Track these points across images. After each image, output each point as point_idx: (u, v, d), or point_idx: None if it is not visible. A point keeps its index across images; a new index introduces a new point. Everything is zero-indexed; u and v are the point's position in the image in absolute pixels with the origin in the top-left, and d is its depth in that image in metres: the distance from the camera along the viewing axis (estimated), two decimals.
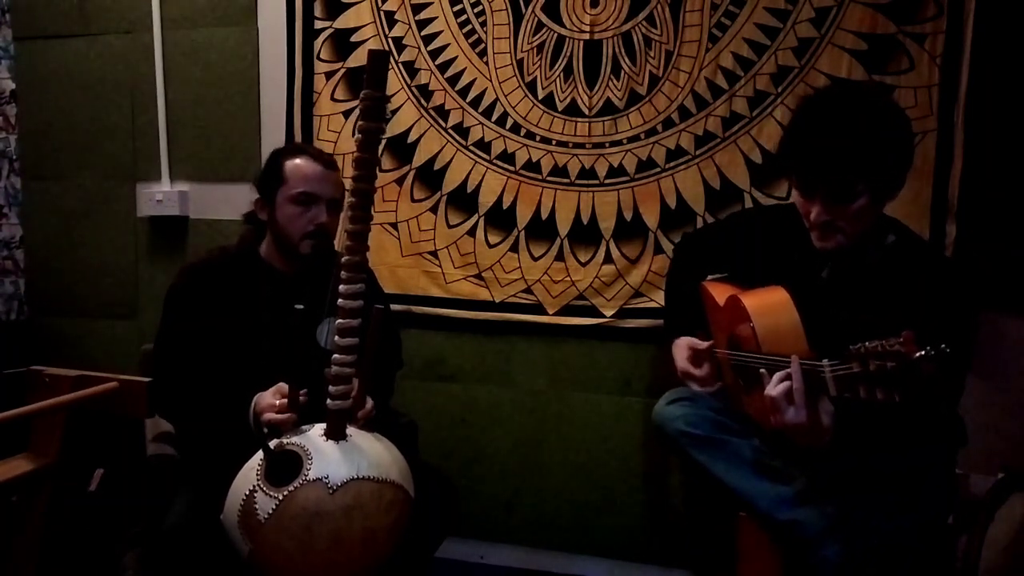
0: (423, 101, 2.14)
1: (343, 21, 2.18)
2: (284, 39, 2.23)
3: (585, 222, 2.05)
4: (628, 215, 2.02)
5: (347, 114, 2.20)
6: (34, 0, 2.44)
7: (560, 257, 2.08)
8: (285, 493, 1.14)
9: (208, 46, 2.31)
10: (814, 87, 1.85)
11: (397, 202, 2.18)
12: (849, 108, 1.30)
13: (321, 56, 2.21)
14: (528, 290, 2.11)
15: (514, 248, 2.11)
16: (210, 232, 2.35)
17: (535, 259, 2.10)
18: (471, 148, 2.12)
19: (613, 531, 2.12)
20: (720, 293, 1.56)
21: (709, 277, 1.68)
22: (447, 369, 2.21)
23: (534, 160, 2.08)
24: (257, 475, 1.18)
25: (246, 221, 1.66)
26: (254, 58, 2.28)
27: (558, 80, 2.04)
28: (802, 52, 1.88)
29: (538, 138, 2.07)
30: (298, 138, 2.23)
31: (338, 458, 1.19)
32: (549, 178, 2.07)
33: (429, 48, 2.13)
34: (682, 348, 1.58)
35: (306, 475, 1.15)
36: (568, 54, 2.03)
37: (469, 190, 2.13)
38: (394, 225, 2.19)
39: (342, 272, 1.22)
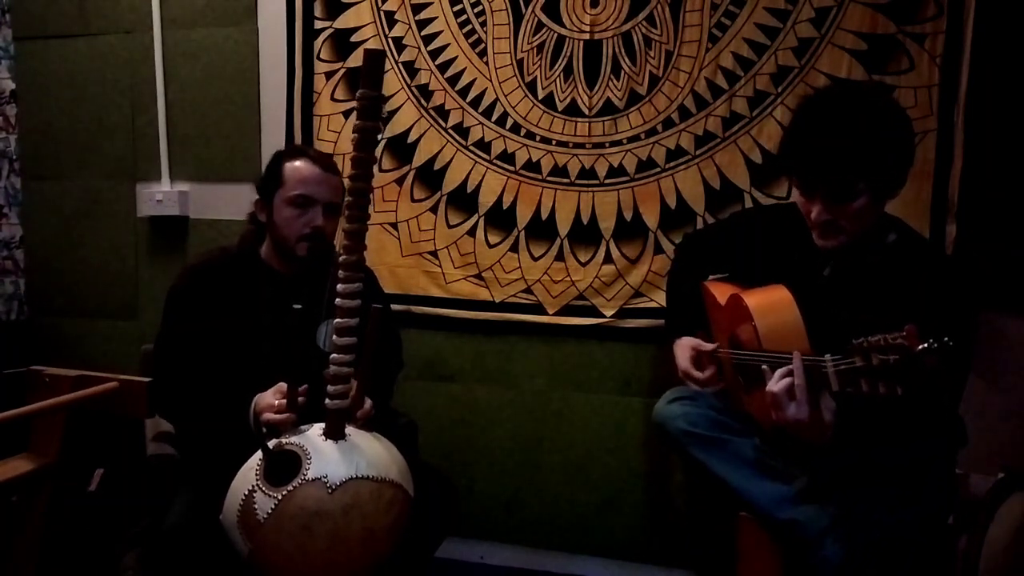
0: (423, 101, 2.14)
1: (343, 21, 2.18)
2: (284, 39, 2.23)
3: (585, 222, 2.05)
4: (628, 215, 2.02)
5: (347, 114, 2.20)
6: (34, 0, 2.44)
7: (560, 257, 2.08)
8: (284, 493, 1.14)
9: (208, 46, 2.31)
10: (814, 87, 1.85)
11: (397, 202, 2.18)
12: (849, 108, 1.30)
13: (321, 56, 2.21)
14: (528, 290, 2.11)
15: (514, 248, 2.11)
16: (210, 232, 2.35)
17: (535, 259, 2.10)
18: (471, 148, 2.12)
19: (613, 531, 2.12)
20: (721, 292, 1.56)
21: (711, 277, 1.68)
22: (447, 369, 2.21)
23: (534, 160, 2.08)
24: (256, 475, 1.18)
25: (250, 221, 1.66)
26: (254, 58, 2.28)
27: (558, 80, 2.04)
28: (802, 52, 1.88)
29: (538, 138, 2.07)
30: (298, 138, 2.23)
31: (337, 458, 1.19)
32: (549, 178, 2.07)
33: (429, 48, 2.13)
34: (684, 348, 1.58)
35: (305, 475, 1.16)
36: (568, 54, 2.03)
37: (469, 190, 2.13)
38: (394, 225, 2.19)
39: (340, 272, 1.22)
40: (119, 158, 2.43)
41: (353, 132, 1.20)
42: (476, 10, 2.08)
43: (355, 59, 2.18)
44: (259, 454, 1.22)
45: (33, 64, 2.47)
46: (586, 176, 2.05)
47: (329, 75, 2.20)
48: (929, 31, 1.79)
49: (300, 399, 1.33)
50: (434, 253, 2.17)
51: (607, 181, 2.03)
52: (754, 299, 1.38)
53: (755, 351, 1.35)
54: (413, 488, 1.28)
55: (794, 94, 1.88)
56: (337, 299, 1.23)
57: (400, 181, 2.18)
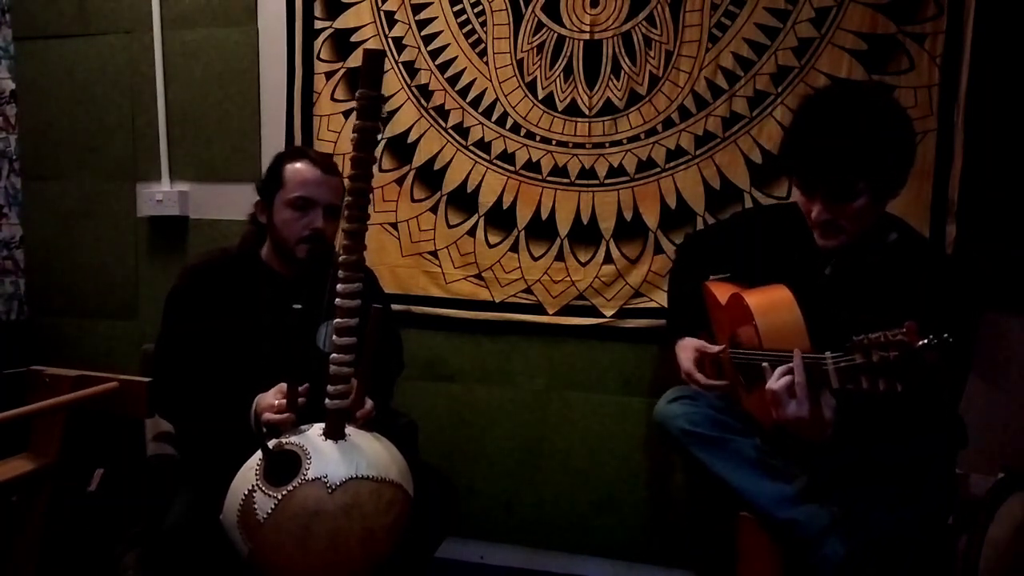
0: (423, 101, 2.14)
1: (343, 21, 2.18)
2: (284, 39, 2.23)
3: (585, 222, 2.05)
4: (628, 215, 2.02)
5: (347, 114, 2.20)
6: (34, 0, 2.44)
7: (560, 257, 2.08)
8: (284, 493, 1.14)
9: (208, 46, 2.31)
10: (814, 87, 1.85)
11: (397, 202, 2.18)
12: (850, 107, 1.30)
13: (321, 56, 2.21)
14: (528, 290, 2.11)
15: (514, 248, 2.11)
16: (210, 232, 2.35)
17: (535, 259, 2.10)
18: (471, 148, 2.12)
19: (613, 531, 2.12)
20: (722, 292, 1.56)
21: (712, 277, 1.68)
22: (447, 369, 2.21)
23: (534, 160, 2.08)
24: (256, 475, 1.18)
25: (251, 222, 1.66)
26: (254, 58, 2.28)
27: (558, 80, 2.04)
28: (802, 52, 1.88)
29: (538, 138, 2.07)
30: (298, 138, 2.23)
31: (337, 458, 1.19)
32: (549, 178, 2.07)
33: (429, 48, 2.13)
34: (687, 350, 1.57)
35: (305, 475, 1.16)
36: (568, 54, 2.03)
37: (469, 190, 2.13)
38: (394, 225, 2.19)
39: (340, 272, 1.22)
40: (119, 158, 2.43)
41: (353, 132, 1.20)
42: (476, 10, 2.08)
43: (355, 59, 2.18)
44: (259, 454, 1.22)
45: (33, 64, 2.47)
46: (586, 176, 2.05)
47: (329, 75, 2.20)
48: (929, 31, 1.79)
49: (300, 399, 1.33)
50: (434, 253, 2.17)
51: (607, 181, 2.03)
52: (755, 299, 1.38)
53: (756, 350, 1.35)
54: (413, 488, 1.27)
55: (794, 94, 1.87)
56: (337, 299, 1.23)
57: (400, 181, 2.18)
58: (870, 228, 1.37)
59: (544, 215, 2.08)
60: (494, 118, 2.10)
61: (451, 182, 2.14)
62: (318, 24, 2.20)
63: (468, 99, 2.11)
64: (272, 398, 1.38)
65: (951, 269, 1.40)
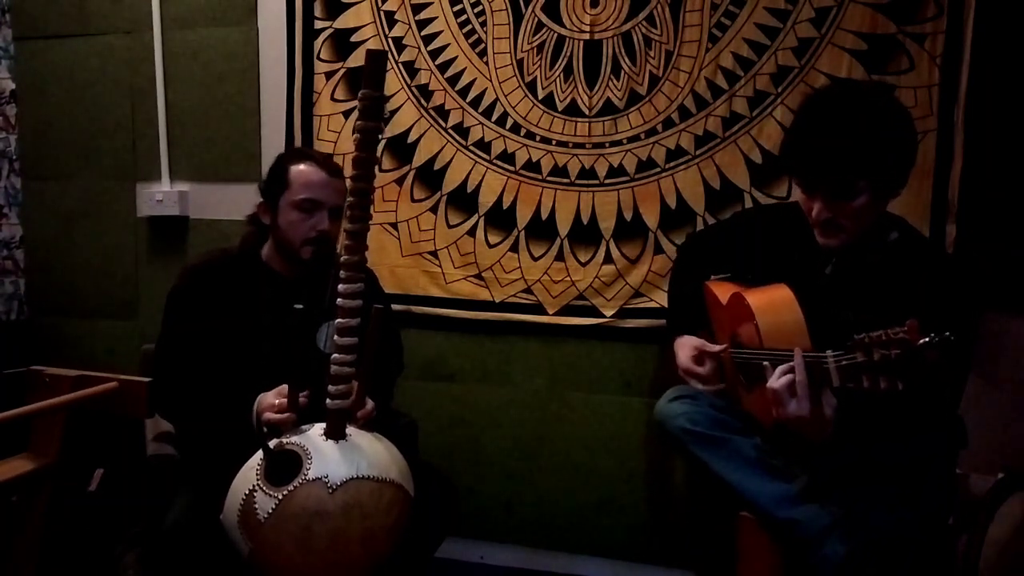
0: (423, 101, 2.14)
1: (343, 21, 2.18)
2: (284, 39, 2.23)
3: (585, 222, 2.05)
4: (628, 215, 2.02)
5: (347, 114, 2.20)
6: (34, 0, 2.44)
7: (560, 257, 2.08)
8: (285, 493, 1.14)
9: (208, 46, 2.31)
10: (814, 87, 1.85)
11: (397, 202, 2.18)
12: (851, 106, 1.30)
13: (321, 56, 2.21)
14: (528, 290, 2.11)
15: (514, 248, 2.11)
16: (210, 232, 2.35)
17: (535, 259, 2.10)
18: (471, 148, 2.12)
19: (613, 531, 2.12)
20: (723, 292, 1.56)
21: (712, 277, 1.68)
22: (447, 369, 2.21)
23: (534, 160, 2.08)
24: (257, 475, 1.18)
25: (249, 223, 1.66)
26: (254, 58, 2.28)
27: (558, 80, 2.04)
28: (802, 52, 1.88)
29: (538, 138, 2.07)
30: (298, 138, 2.23)
31: (337, 458, 1.19)
32: (549, 178, 2.07)
33: (429, 48, 2.13)
34: (686, 347, 1.57)
35: (305, 475, 1.16)
36: (568, 54, 2.03)
37: (469, 190, 2.13)
38: (394, 225, 2.19)
39: (341, 272, 1.22)
40: (119, 158, 2.43)
41: (355, 132, 1.20)
42: (476, 10, 2.08)
43: (355, 59, 2.18)
44: (260, 454, 1.22)
45: (33, 64, 2.47)
46: (586, 176, 2.05)
47: (329, 75, 2.20)
48: (929, 31, 1.79)
49: (301, 399, 1.33)
50: (434, 253, 2.17)
51: (607, 181, 2.03)
52: (755, 298, 1.38)
53: (757, 349, 1.35)
54: (413, 488, 1.28)
55: (794, 94, 1.88)
56: (338, 299, 1.23)
57: (400, 181, 2.18)
58: (871, 227, 1.37)
59: (544, 215, 2.08)
60: (494, 118, 2.10)
61: (451, 182, 2.14)
62: (318, 24, 2.20)
63: (468, 99, 2.11)
64: (273, 398, 1.38)
65: (952, 268, 1.40)
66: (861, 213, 1.31)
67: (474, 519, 2.18)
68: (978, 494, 1.59)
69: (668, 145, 1.98)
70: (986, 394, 1.74)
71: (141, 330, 2.42)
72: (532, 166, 2.08)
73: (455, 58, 2.11)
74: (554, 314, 2.10)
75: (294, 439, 1.23)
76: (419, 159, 2.16)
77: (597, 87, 2.01)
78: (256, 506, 1.15)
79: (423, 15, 2.12)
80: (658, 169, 2.00)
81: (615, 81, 2.00)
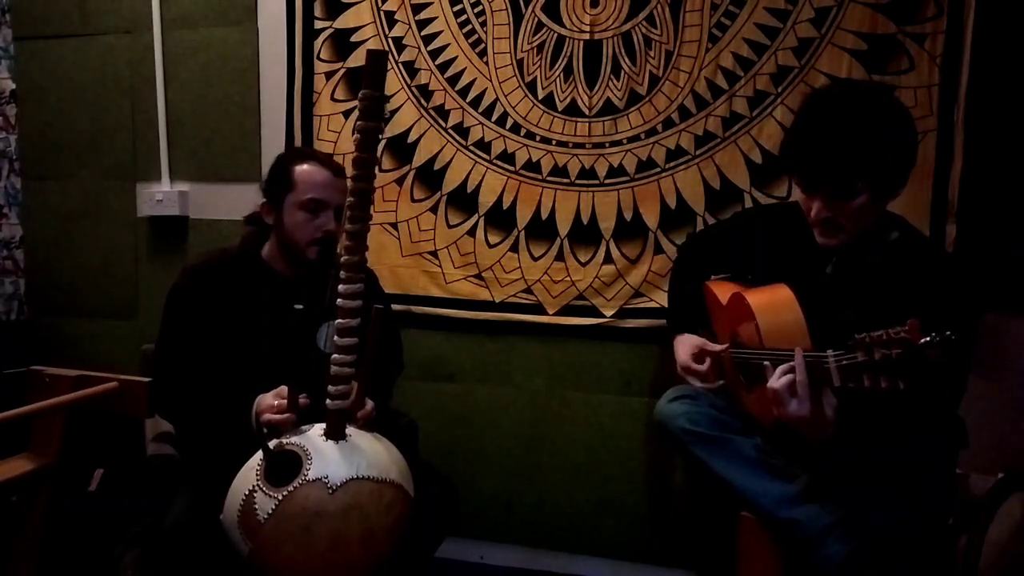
0: (423, 101, 2.14)
1: (343, 21, 2.18)
2: (284, 39, 2.23)
3: (585, 222, 2.05)
4: (628, 215, 2.02)
5: (347, 114, 2.20)
6: (34, 0, 2.44)
7: (560, 257, 2.08)
8: (285, 493, 1.14)
9: (208, 46, 2.31)
10: (814, 87, 1.85)
11: (397, 202, 2.18)
12: (851, 106, 1.30)
13: (321, 56, 2.21)
14: (528, 290, 2.11)
15: (514, 248, 2.11)
16: (210, 232, 2.35)
17: (535, 259, 2.10)
18: (471, 148, 2.12)
19: (613, 531, 2.12)
20: (723, 292, 1.56)
21: (712, 277, 1.68)
22: (447, 369, 2.21)
23: (534, 160, 2.08)
24: (257, 475, 1.18)
25: (247, 223, 1.66)
26: (254, 58, 2.28)
27: (558, 80, 2.04)
28: (802, 52, 1.88)
29: (538, 138, 2.07)
30: (298, 138, 2.23)
31: (337, 458, 1.19)
32: (549, 178, 2.07)
33: (429, 48, 2.13)
34: (686, 345, 1.58)
35: (305, 475, 1.16)
36: (568, 54, 2.03)
37: (469, 190, 2.13)
38: (394, 225, 2.19)
39: (341, 272, 1.22)
40: (119, 158, 2.42)
41: (355, 132, 1.20)
42: (476, 10, 2.08)
43: (355, 59, 2.18)
44: (260, 454, 1.22)
45: (33, 64, 2.47)
46: (586, 176, 2.05)
47: (329, 75, 2.20)
48: (929, 31, 1.79)
49: (301, 400, 1.33)
50: (434, 253, 2.17)
51: (607, 181, 2.03)
52: (756, 297, 1.38)
53: (757, 349, 1.35)
54: (413, 488, 1.27)
55: (794, 94, 1.88)
56: (338, 299, 1.23)
57: (400, 181, 2.18)
58: (871, 227, 1.37)
59: (544, 215, 2.08)
60: (494, 118, 2.10)
61: (451, 182, 2.14)
62: (318, 24, 2.20)
63: (468, 99, 2.11)
64: (272, 399, 1.38)
65: (952, 268, 1.40)
66: (861, 213, 1.31)
67: (474, 519, 2.18)
68: (978, 494, 1.59)
69: (668, 145, 1.98)
70: (986, 394, 1.73)
71: (141, 330, 2.41)
72: (532, 166, 2.08)
73: (455, 58, 2.11)
74: (554, 314, 2.10)
75: (294, 439, 1.23)
76: (419, 159, 2.16)
77: (597, 87, 2.01)
78: (256, 506, 1.15)
79: (423, 15, 2.12)
80: (658, 169, 2.00)
81: (615, 81, 2.00)
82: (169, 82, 2.35)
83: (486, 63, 2.09)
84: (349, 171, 1.23)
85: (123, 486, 2.04)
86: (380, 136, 1.23)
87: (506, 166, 2.10)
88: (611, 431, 2.10)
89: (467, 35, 2.10)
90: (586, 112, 2.03)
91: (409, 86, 2.14)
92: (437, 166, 2.14)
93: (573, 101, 2.03)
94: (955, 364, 1.21)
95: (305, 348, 1.45)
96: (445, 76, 2.12)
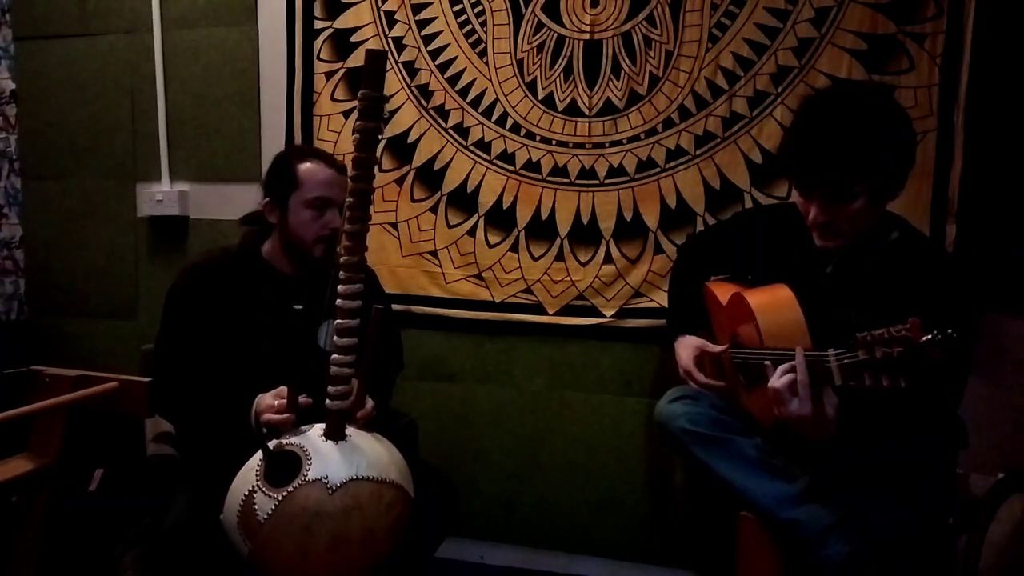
0: (423, 101, 2.14)
1: (343, 21, 2.18)
2: (284, 39, 2.23)
3: (585, 222, 2.05)
4: (628, 215, 2.02)
5: (347, 114, 2.20)
6: (34, 0, 2.44)
7: (560, 257, 2.08)
8: (284, 493, 1.14)
9: (208, 46, 2.31)
10: (814, 87, 1.85)
11: (397, 202, 2.18)
12: (847, 109, 1.30)
13: (321, 56, 2.21)
14: (528, 290, 2.11)
15: (514, 248, 2.11)
16: (210, 232, 2.35)
17: (535, 259, 2.10)
18: (471, 148, 2.12)
19: (613, 531, 2.12)
20: (723, 292, 1.56)
21: (712, 278, 1.68)
22: (447, 369, 2.21)
23: (534, 160, 2.08)
24: (256, 475, 1.18)
25: (243, 223, 1.65)
26: (254, 58, 2.28)
27: (558, 80, 2.04)
28: (802, 52, 1.88)
29: (538, 138, 2.07)
30: (298, 138, 2.23)
31: (337, 458, 1.19)
32: (549, 178, 2.07)
33: (429, 48, 2.13)
34: (687, 347, 1.57)
35: (305, 475, 1.15)
36: (568, 54, 2.03)
37: (469, 190, 2.13)
38: (394, 225, 2.19)
39: (341, 272, 1.22)
40: (119, 158, 2.43)
41: (355, 132, 1.19)
42: (476, 10, 2.08)
43: (355, 59, 2.18)
44: (259, 454, 1.22)
45: (33, 64, 2.47)
46: (586, 176, 2.05)
47: (329, 75, 2.20)
48: (929, 31, 1.79)
49: (301, 400, 1.33)
50: (434, 253, 2.17)
51: (607, 181, 2.03)
52: (756, 298, 1.38)
53: (757, 349, 1.35)
54: (413, 488, 1.27)
55: (794, 94, 1.88)
56: (338, 300, 1.23)
57: (400, 181, 2.18)
58: (870, 227, 1.37)
59: (544, 215, 2.08)
60: (494, 118, 2.10)
61: (451, 182, 2.14)
62: (318, 24, 2.20)
63: (468, 99, 2.11)
64: (272, 399, 1.38)
65: (952, 268, 1.40)
66: (859, 216, 1.31)
67: (474, 519, 2.18)
68: (978, 494, 1.59)
69: (668, 145, 1.98)
70: (986, 394, 1.74)
71: (141, 330, 2.42)
72: (532, 166, 2.08)
73: (455, 58, 2.11)
74: (554, 314, 2.10)
75: (294, 440, 1.23)
76: (419, 159, 2.16)
77: (597, 87, 2.01)
78: (256, 507, 1.15)
79: (423, 15, 2.12)
80: (658, 169, 2.00)
81: (615, 81, 2.00)
82: (169, 82, 2.35)
83: (486, 63, 2.09)
84: (349, 171, 1.23)
85: (123, 486, 2.03)
86: (380, 136, 1.23)
87: (506, 166, 2.10)
88: (611, 431, 2.10)
89: (467, 35, 2.10)
90: (586, 112, 2.03)
91: (409, 86, 2.14)
92: (437, 166, 2.15)
93: (573, 101, 2.03)
94: (956, 364, 1.21)
95: (305, 347, 1.45)
96: (445, 76, 2.12)
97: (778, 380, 1.23)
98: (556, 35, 2.03)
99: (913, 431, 1.26)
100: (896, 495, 1.27)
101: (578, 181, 2.05)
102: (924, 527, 1.28)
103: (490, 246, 2.12)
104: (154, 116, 2.36)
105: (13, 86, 2.49)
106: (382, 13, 2.15)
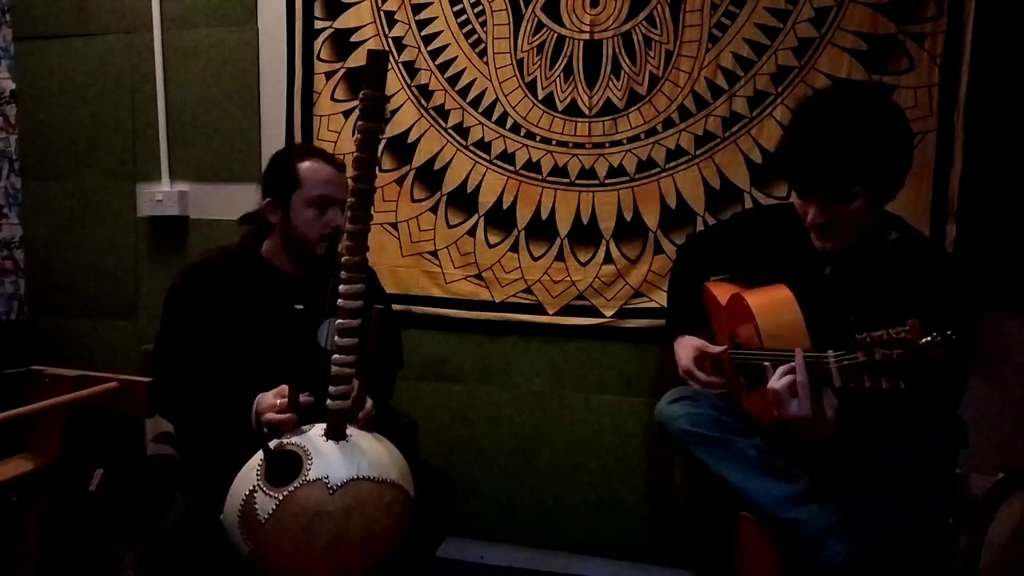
0: (423, 101, 2.14)
1: (343, 21, 2.18)
2: (284, 39, 2.23)
3: (585, 222, 2.05)
4: (628, 215, 2.02)
5: (347, 114, 2.20)
6: (34, 0, 2.44)
7: (560, 257, 2.08)
8: (285, 493, 1.14)
9: (208, 46, 2.31)
10: (814, 87, 1.85)
11: (397, 202, 2.18)
12: (845, 110, 1.30)
13: (321, 56, 2.21)
14: (528, 290, 2.11)
15: (514, 248, 2.11)
16: (210, 232, 2.35)
17: (535, 259, 2.10)
18: (471, 148, 2.12)
19: (613, 531, 2.12)
20: (723, 293, 1.56)
21: (712, 278, 1.68)
22: (447, 369, 2.21)
23: (534, 160, 2.08)
24: (257, 475, 1.18)
25: (242, 223, 1.65)
26: (254, 58, 2.28)
27: (558, 80, 2.04)
28: (802, 52, 1.88)
29: (538, 138, 2.07)
30: (298, 138, 2.23)
31: (338, 458, 1.19)
32: (549, 178, 2.07)
33: (429, 48, 2.13)
34: (687, 348, 1.58)
35: (306, 475, 1.15)
36: (568, 54, 2.03)
37: (469, 190, 2.13)
38: (394, 225, 2.19)
39: (342, 272, 1.22)
40: (119, 158, 2.43)
41: (356, 132, 1.19)
42: (476, 10, 2.08)
43: (355, 59, 2.18)
44: (260, 454, 1.22)
45: (33, 64, 2.47)
46: (586, 176, 2.05)
47: (329, 75, 2.20)
48: (929, 31, 1.79)
49: (302, 400, 1.33)
50: (434, 253, 2.17)
51: (607, 181, 2.03)
52: (755, 298, 1.38)
53: (757, 349, 1.35)
54: (413, 488, 1.27)
55: (794, 94, 1.88)
56: (339, 299, 1.23)
57: (400, 181, 2.18)
58: (869, 228, 1.37)
59: (544, 215, 2.08)
60: (494, 118, 2.10)
61: (451, 182, 2.14)
62: (318, 24, 2.20)
63: (468, 99, 2.11)
64: (273, 398, 1.38)
65: (952, 268, 1.40)
66: (857, 217, 1.31)
67: (474, 519, 2.18)
68: (978, 494, 1.59)
69: (668, 145, 1.98)
70: (986, 394, 1.74)
71: (141, 330, 2.42)
72: (532, 166, 2.08)
73: (455, 58, 2.11)
74: (554, 314, 2.10)
75: (294, 439, 1.23)
76: (419, 159, 2.16)
77: (597, 87, 2.01)
78: (256, 507, 1.15)
79: (423, 15, 2.12)
80: (658, 169, 2.00)
81: (615, 81, 2.00)
82: (169, 82, 2.35)
83: (486, 63, 2.09)
84: (349, 171, 1.23)
85: (123, 486, 2.03)
86: (380, 136, 1.23)
87: (506, 166, 2.10)
88: (611, 431, 2.10)
89: (467, 35, 2.10)
90: (586, 112, 2.03)
91: (409, 86, 2.14)
92: (437, 166, 2.15)
93: (573, 101, 2.03)
94: (955, 364, 1.21)
95: (306, 347, 1.45)
96: (445, 76, 2.12)
97: (777, 381, 1.23)
98: (556, 35, 2.03)
99: (912, 432, 1.26)
100: (896, 495, 1.27)
101: (578, 181, 2.05)
102: (924, 527, 1.28)
103: (490, 246, 2.12)
104: (154, 116, 2.36)
105: (13, 86, 2.49)
106: (382, 13, 2.15)
